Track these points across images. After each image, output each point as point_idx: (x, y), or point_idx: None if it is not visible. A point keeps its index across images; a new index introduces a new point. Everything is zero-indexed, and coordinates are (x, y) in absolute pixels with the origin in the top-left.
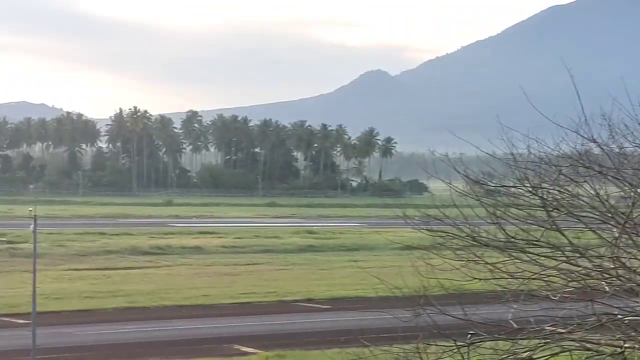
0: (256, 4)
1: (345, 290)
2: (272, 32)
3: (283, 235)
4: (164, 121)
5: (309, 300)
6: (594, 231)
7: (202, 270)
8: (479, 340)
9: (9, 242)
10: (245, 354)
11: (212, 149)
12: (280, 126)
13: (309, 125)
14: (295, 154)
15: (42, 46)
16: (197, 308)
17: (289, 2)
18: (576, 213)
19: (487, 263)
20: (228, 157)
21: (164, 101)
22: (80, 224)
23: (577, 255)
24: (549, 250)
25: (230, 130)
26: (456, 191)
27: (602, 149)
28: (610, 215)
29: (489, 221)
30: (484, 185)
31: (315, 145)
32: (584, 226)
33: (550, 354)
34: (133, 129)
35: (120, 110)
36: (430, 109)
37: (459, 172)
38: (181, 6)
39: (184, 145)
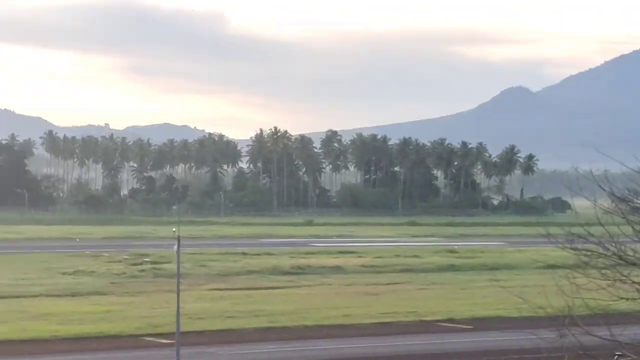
0: (393, 22)
1: (487, 310)
2: (410, 50)
3: (423, 255)
4: (304, 141)
5: (450, 320)
6: None
7: (342, 290)
8: None
9: (152, 263)
10: None
11: (351, 168)
12: (420, 144)
13: (449, 143)
14: (435, 172)
15: (184, 68)
16: (338, 328)
17: (428, 19)
18: None
19: (634, 282)
20: (367, 176)
21: (303, 121)
22: (222, 244)
23: None
24: None
25: (370, 149)
26: (601, 209)
27: None
28: None
29: (635, 239)
30: (630, 203)
31: (456, 163)
32: None
33: None
34: (273, 149)
35: (261, 130)
36: (573, 125)
37: (603, 189)
38: (319, 26)
39: (324, 165)
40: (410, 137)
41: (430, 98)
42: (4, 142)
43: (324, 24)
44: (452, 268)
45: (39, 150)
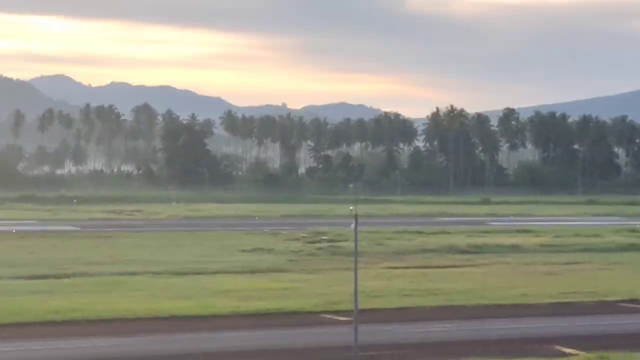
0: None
1: None
2: (588, 25)
3: (604, 234)
4: (481, 119)
5: (633, 301)
6: None
7: (520, 269)
8: None
9: (330, 241)
10: (566, 355)
11: (529, 146)
12: (600, 122)
13: (630, 120)
14: (616, 150)
15: (360, 47)
16: (516, 307)
17: None
18: None
19: None
20: (546, 154)
21: (480, 99)
22: (398, 223)
23: None
24: None
25: (548, 127)
26: None
27: None
28: None
29: None
30: None
31: (638, 140)
32: None
33: None
34: (449, 127)
35: (437, 109)
36: None
37: None
38: (495, 2)
39: (501, 143)
40: (590, 114)
41: (610, 74)
42: (185, 122)
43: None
44: (634, 248)
45: (219, 130)
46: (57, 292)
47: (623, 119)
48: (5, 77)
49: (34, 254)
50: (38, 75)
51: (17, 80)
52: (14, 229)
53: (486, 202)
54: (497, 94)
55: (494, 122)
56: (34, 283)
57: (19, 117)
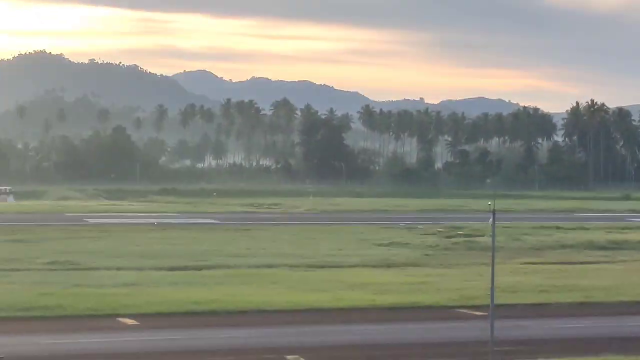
0: None
1: None
2: None
3: None
4: (622, 114)
5: None
6: None
7: None
8: None
9: (466, 236)
10: None
11: None
12: None
13: None
14: None
15: (499, 41)
16: None
17: None
18: None
19: None
20: None
21: (621, 93)
22: (536, 218)
23: None
24: None
25: None
26: None
27: None
28: None
29: None
30: None
31: None
32: None
33: None
34: (589, 122)
35: (577, 103)
36: None
37: None
38: None
39: None
40: None
41: None
42: (323, 116)
43: None
44: None
45: (356, 125)
46: (197, 284)
47: None
48: (150, 73)
49: (175, 246)
50: (181, 71)
51: (161, 75)
52: (155, 221)
53: (627, 198)
54: (639, 88)
55: (635, 117)
56: (175, 274)
57: (162, 112)
